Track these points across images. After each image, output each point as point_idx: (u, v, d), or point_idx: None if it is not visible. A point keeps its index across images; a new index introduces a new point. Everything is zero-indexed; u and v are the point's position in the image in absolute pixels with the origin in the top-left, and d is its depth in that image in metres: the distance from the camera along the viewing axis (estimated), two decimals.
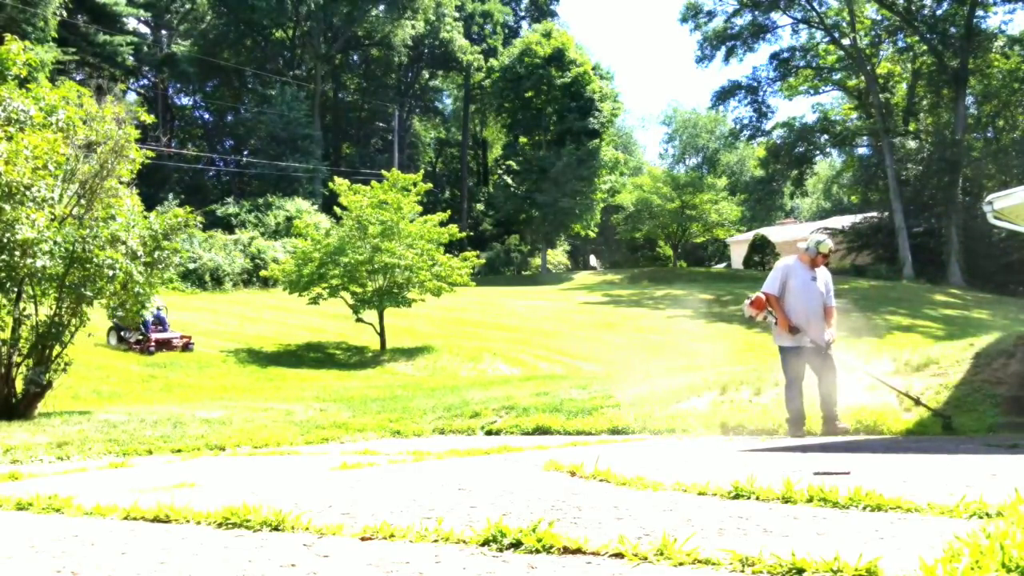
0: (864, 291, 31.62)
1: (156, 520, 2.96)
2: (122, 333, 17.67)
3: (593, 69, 45.42)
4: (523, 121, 46.20)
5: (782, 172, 47.52)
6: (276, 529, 2.67)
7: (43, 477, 4.96)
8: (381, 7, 45.96)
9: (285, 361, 17.93)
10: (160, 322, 18.05)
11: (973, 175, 41.17)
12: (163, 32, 48.03)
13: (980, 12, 39.32)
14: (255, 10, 42.01)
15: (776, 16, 44.08)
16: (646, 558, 2.06)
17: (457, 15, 48.86)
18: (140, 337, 17.50)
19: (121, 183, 9.84)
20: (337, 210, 21.36)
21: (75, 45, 35.86)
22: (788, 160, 45.77)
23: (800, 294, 7.01)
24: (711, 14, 44.34)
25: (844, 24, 42.07)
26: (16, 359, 8.98)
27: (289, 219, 33.00)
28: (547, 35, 45.17)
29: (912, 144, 41.02)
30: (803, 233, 49.67)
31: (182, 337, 18.13)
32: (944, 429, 6.65)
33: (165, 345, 17.62)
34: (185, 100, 50.24)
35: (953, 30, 39.82)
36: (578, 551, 2.18)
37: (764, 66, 55.73)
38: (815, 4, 42.74)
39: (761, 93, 46.18)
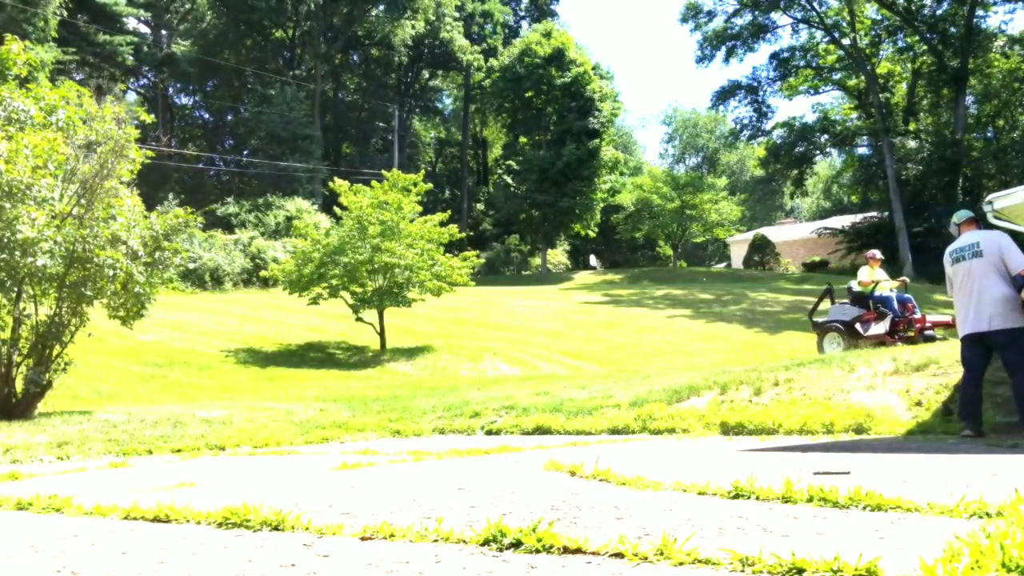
0: None
1: (156, 520, 2.96)
2: (857, 325, 12.70)
3: (593, 69, 45.45)
4: (523, 121, 46.24)
5: (782, 172, 47.65)
6: (276, 529, 2.67)
7: (43, 477, 4.96)
8: (381, 7, 45.98)
9: (285, 361, 17.90)
10: (903, 303, 12.87)
11: (973, 175, 41.18)
12: (163, 32, 48.06)
13: (980, 12, 39.39)
14: (255, 10, 42.04)
15: (776, 16, 44.18)
16: (646, 558, 2.06)
17: (457, 15, 48.86)
18: (896, 322, 12.49)
19: (122, 183, 9.82)
20: (337, 210, 21.34)
21: (75, 45, 35.87)
22: (788, 160, 45.84)
23: None
24: (711, 14, 44.44)
25: (844, 24, 42.10)
26: (16, 359, 8.97)
27: (289, 219, 33.00)
28: (547, 35, 45.19)
29: (912, 144, 41.04)
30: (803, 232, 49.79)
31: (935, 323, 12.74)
32: None
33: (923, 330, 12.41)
34: (185, 100, 50.33)
35: (953, 30, 39.87)
36: (578, 551, 2.18)
37: (764, 66, 55.88)
38: (815, 4, 42.79)
39: (761, 93, 46.30)
